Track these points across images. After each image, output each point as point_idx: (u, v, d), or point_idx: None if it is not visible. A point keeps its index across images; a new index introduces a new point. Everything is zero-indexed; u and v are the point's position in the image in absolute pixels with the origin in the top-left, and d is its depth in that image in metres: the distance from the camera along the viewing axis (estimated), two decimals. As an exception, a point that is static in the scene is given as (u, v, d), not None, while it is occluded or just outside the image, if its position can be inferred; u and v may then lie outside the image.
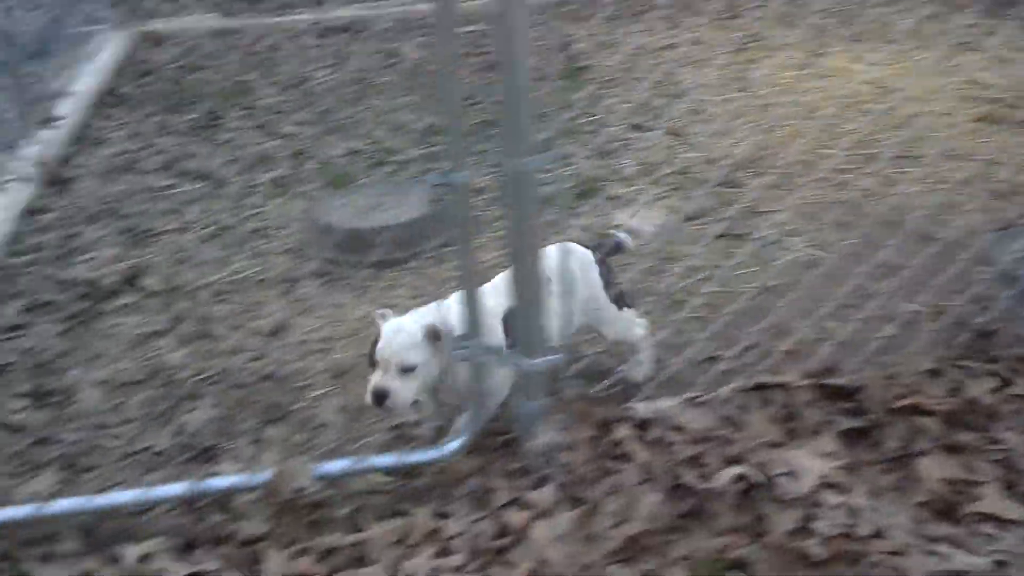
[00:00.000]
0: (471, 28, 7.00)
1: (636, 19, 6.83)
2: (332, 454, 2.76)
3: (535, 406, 2.50)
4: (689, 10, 6.93)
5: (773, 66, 5.76)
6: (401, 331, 2.51)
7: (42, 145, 4.79)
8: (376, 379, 2.49)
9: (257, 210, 4.29)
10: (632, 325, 2.95)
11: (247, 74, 6.18)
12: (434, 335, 2.51)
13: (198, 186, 4.53)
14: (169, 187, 4.52)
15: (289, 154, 4.80)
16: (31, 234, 4.11)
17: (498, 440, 2.64)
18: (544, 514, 2.36)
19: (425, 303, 3.44)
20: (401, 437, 2.81)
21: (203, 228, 4.11)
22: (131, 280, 3.70)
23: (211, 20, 7.43)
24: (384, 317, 2.57)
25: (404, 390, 2.49)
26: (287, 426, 2.91)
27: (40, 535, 2.46)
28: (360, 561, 2.35)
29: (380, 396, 2.48)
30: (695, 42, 6.48)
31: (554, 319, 2.60)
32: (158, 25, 7.34)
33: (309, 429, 2.90)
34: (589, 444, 2.46)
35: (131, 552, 2.38)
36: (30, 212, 4.28)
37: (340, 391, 3.06)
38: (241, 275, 3.74)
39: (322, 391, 3.07)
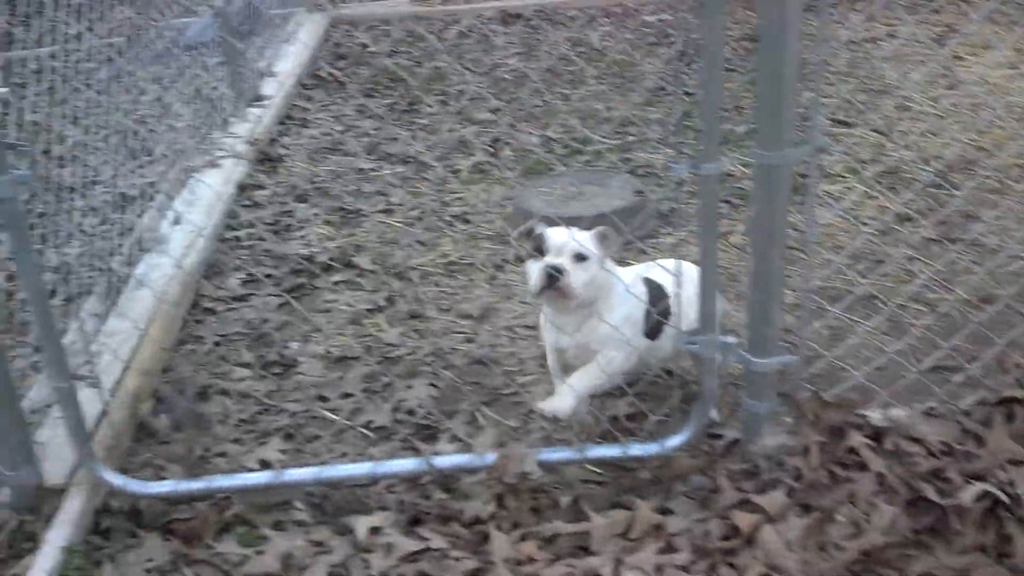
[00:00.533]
0: (660, 17, 6.96)
1: (832, 10, 6.62)
2: (545, 441, 2.79)
3: (763, 407, 2.46)
4: (888, 2, 6.68)
5: (982, 64, 5.48)
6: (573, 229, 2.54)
7: (252, 124, 5.01)
8: (549, 259, 2.49)
9: (458, 195, 4.36)
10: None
11: (439, 60, 6.30)
12: (604, 237, 2.56)
13: (400, 169, 4.64)
14: (373, 170, 4.65)
15: (486, 141, 4.86)
16: (246, 209, 4.29)
17: (721, 439, 2.60)
18: (773, 518, 2.31)
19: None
20: (613, 430, 2.80)
21: (409, 210, 4.20)
22: (343, 258, 3.82)
23: (402, 6, 7.60)
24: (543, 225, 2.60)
25: (578, 274, 2.50)
26: (500, 409, 2.95)
27: (273, 502, 2.57)
28: (584, 550, 2.36)
29: (554, 274, 2.47)
30: (895, 35, 6.23)
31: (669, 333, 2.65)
32: (351, 9, 7.56)
33: (521, 414, 2.92)
34: (820, 450, 2.40)
35: (361, 524, 2.45)
36: (242, 188, 4.48)
37: (547, 378, 3.08)
38: (447, 259, 3.81)
39: (531, 377, 3.10)
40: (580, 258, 2.51)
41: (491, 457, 2.52)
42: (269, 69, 5.84)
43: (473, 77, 5.89)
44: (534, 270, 2.52)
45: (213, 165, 4.54)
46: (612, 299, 2.62)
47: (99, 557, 2.39)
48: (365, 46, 6.72)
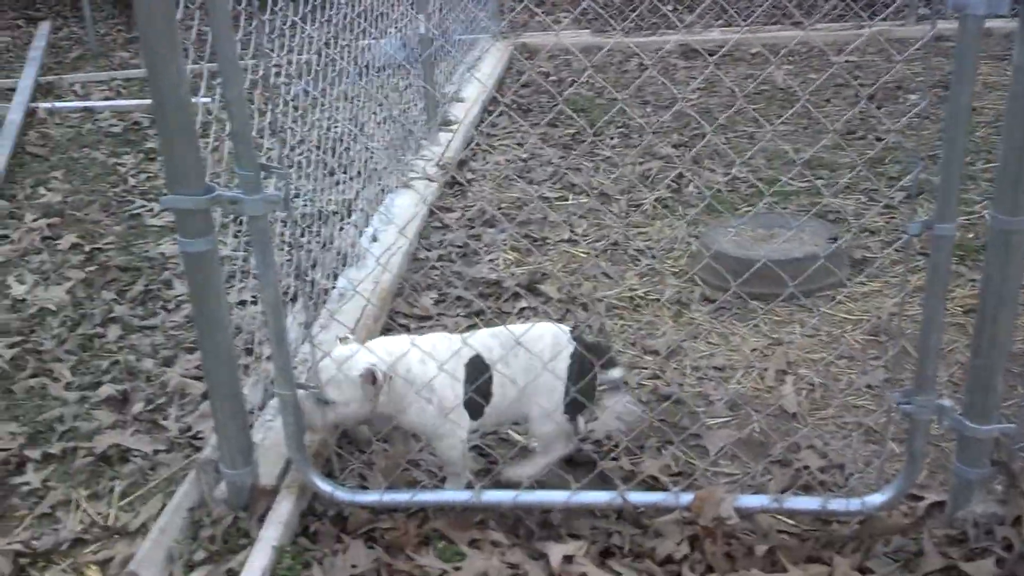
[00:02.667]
0: (847, 58, 6.84)
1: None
2: (733, 487, 2.78)
3: (975, 473, 2.39)
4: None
5: None
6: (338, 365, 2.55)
7: (442, 147, 5.18)
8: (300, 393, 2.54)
9: (641, 230, 4.39)
10: (562, 438, 2.77)
11: (619, 91, 6.36)
12: (371, 379, 2.55)
13: (584, 200, 4.71)
14: (558, 198, 4.73)
15: (669, 176, 4.88)
16: (437, 231, 4.44)
17: (922, 500, 2.55)
18: (981, 589, 2.25)
19: (822, 343, 3.43)
20: (804, 482, 2.77)
21: (594, 241, 4.27)
22: (530, 285, 3.90)
23: (583, 36, 7.72)
24: (345, 341, 2.64)
25: (317, 416, 2.58)
26: (687, 450, 2.96)
27: (468, 521, 2.65)
28: (779, 602, 2.35)
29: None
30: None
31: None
32: (533, 38, 7.72)
33: (708, 458, 2.92)
34: (1034, 522, 2.32)
35: (555, 551, 2.51)
36: (432, 210, 4.64)
37: (736, 423, 3.07)
38: (632, 293, 3.85)
39: (720, 420, 3.09)
40: (323, 403, 2.58)
41: (686, 498, 2.54)
42: (458, 94, 6.03)
43: (652, 110, 5.93)
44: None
45: (407, 186, 4.71)
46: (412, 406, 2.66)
47: (308, 559, 2.51)
48: (547, 75, 6.85)
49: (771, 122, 5.61)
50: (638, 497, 2.59)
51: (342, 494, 2.63)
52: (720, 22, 7.78)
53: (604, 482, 2.78)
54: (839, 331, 3.50)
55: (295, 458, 2.60)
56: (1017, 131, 2.06)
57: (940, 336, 2.29)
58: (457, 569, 2.50)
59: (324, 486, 2.62)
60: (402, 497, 2.63)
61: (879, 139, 5.17)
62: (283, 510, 2.61)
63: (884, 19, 7.57)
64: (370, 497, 2.64)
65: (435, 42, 5.58)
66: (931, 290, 2.22)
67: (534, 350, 2.68)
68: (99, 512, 2.79)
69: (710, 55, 7.12)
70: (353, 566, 2.50)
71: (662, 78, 6.54)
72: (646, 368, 3.37)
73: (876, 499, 2.49)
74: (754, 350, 3.44)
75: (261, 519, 2.60)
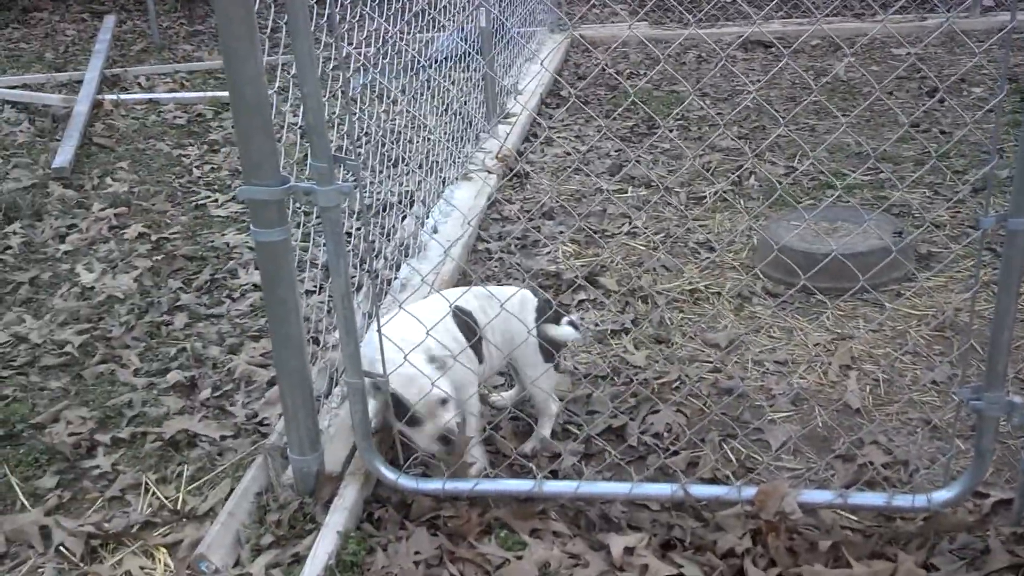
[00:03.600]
0: (908, 51, 6.73)
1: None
2: (796, 481, 2.77)
3: (1047, 471, 2.36)
4: None
5: None
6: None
7: (500, 140, 5.21)
8: (431, 428, 2.61)
9: (702, 222, 4.38)
10: (551, 381, 2.98)
11: (677, 84, 6.32)
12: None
13: (643, 192, 4.70)
14: (617, 191, 4.73)
15: (729, 168, 4.85)
16: (496, 222, 4.47)
17: (988, 497, 2.52)
18: (1052, 588, 2.22)
19: (886, 338, 3.39)
20: (868, 478, 2.75)
21: (653, 234, 4.26)
22: (590, 277, 3.91)
23: (640, 28, 7.68)
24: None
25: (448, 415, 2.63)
26: (748, 444, 2.95)
27: (530, 511, 2.67)
28: (845, 598, 2.33)
29: (449, 439, 2.62)
30: None
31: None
32: (591, 30, 7.70)
33: (771, 452, 2.91)
34: (1107, 523, 2.28)
35: (616, 543, 2.52)
36: (492, 202, 4.66)
37: (799, 417, 3.05)
38: (692, 286, 3.84)
39: (782, 414, 3.08)
40: (443, 403, 2.61)
41: (749, 491, 2.53)
42: (516, 87, 6.04)
43: (712, 103, 5.89)
44: (420, 439, 2.63)
45: (466, 178, 4.74)
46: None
47: (372, 544, 2.55)
48: (605, 68, 6.85)
49: (833, 115, 5.55)
50: (700, 490, 2.58)
51: (406, 481, 2.66)
52: (781, 13, 7.70)
53: (665, 475, 2.80)
54: (904, 327, 3.46)
55: (361, 445, 2.64)
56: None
57: (1012, 332, 2.25)
58: (519, 558, 2.52)
59: (388, 473, 2.66)
60: (464, 486, 2.66)
61: (943, 132, 5.09)
62: (348, 496, 2.65)
63: (949, 10, 7.44)
64: (433, 485, 2.67)
65: (494, 33, 5.59)
66: (1004, 284, 2.19)
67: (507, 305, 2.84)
68: (168, 496, 2.86)
69: (769, 47, 7.06)
70: (416, 552, 2.53)
71: (723, 71, 6.49)
72: (708, 362, 3.36)
73: (942, 495, 2.46)
74: (817, 344, 3.41)
75: (327, 505, 2.64)
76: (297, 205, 3.82)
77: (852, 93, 5.91)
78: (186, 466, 2.98)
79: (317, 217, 2.83)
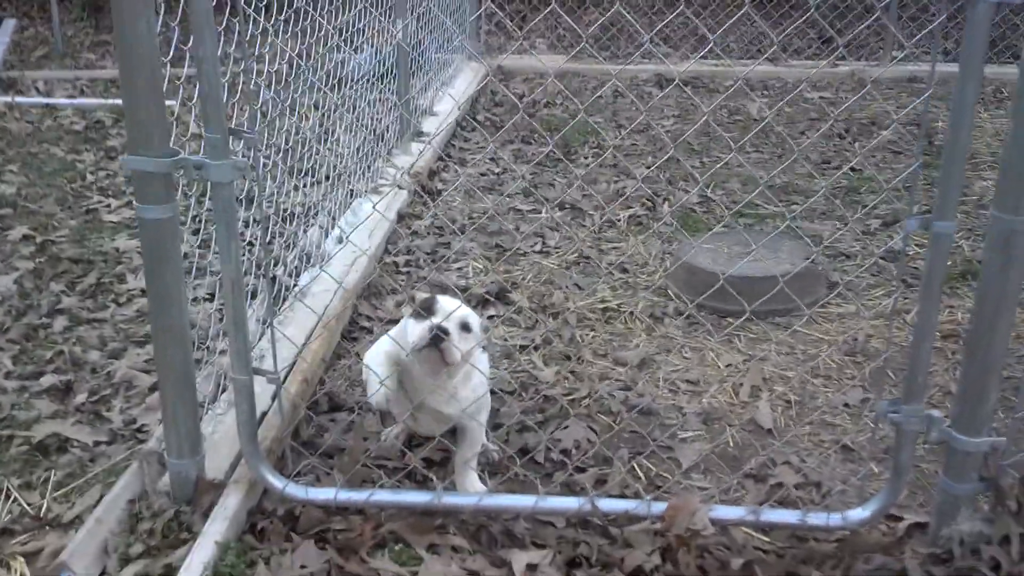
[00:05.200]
0: (821, 95, 6.85)
1: None
2: (708, 499, 2.66)
3: (963, 489, 2.29)
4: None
5: None
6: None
7: (413, 157, 5.07)
8: (436, 320, 2.42)
9: (614, 245, 4.30)
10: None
11: (593, 116, 6.29)
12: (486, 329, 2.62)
13: (558, 214, 4.61)
14: (531, 211, 4.63)
15: (643, 195, 4.81)
16: (405, 237, 4.31)
17: (905, 521, 2.44)
18: (967, 609, 2.14)
19: (797, 361, 3.33)
20: (780, 497, 2.65)
21: (566, 254, 4.16)
22: (500, 293, 3.78)
23: (558, 60, 7.67)
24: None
25: (462, 343, 2.45)
26: (657, 461, 2.83)
27: (427, 525, 2.50)
28: (753, 618, 2.22)
29: (439, 335, 2.40)
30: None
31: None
32: (508, 61, 7.66)
33: (680, 469, 2.80)
34: (1022, 541, 2.21)
35: (518, 559, 2.36)
36: (401, 217, 4.51)
37: (710, 437, 2.96)
38: (604, 305, 3.74)
39: (693, 433, 2.97)
40: (465, 328, 2.49)
41: (658, 507, 2.41)
42: (431, 108, 5.93)
43: (627, 134, 5.87)
44: (416, 328, 2.46)
45: (376, 192, 4.59)
46: (475, 377, 2.61)
47: (253, 557, 2.34)
48: (521, 96, 6.79)
49: (746, 150, 5.57)
50: (608, 504, 2.45)
51: (294, 490, 2.47)
52: (696, 55, 7.79)
53: (572, 492, 2.66)
54: (816, 350, 3.41)
55: (246, 449, 2.44)
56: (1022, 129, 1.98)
57: (932, 343, 2.19)
58: (413, 574, 2.34)
59: (275, 481, 2.46)
60: (359, 496, 2.47)
61: (854, 170, 5.14)
62: (230, 505, 2.44)
63: (859, 59, 7.62)
64: (324, 495, 2.48)
65: (410, 53, 5.49)
66: (926, 292, 2.13)
67: None
68: (31, 502, 2.60)
69: (685, 84, 7.11)
70: (302, 567, 2.33)
71: (638, 105, 6.49)
72: (619, 380, 3.25)
73: (858, 514, 2.37)
74: (729, 365, 3.33)
75: (205, 514, 2.43)
76: (187, 190, 3.56)
77: (765, 131, 5.95)
78: (54, 471, 2.73)
79: (208, 209, 2.61)
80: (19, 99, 6.43)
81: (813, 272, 3.75)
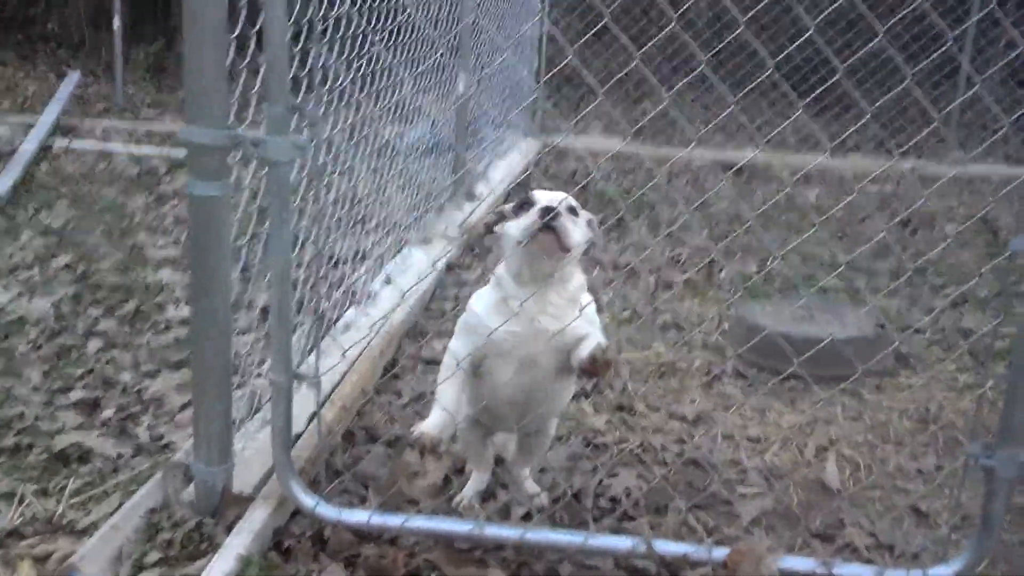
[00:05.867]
0: (881, 187, 6.73)
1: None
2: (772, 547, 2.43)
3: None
4: None
5: None
6: None
7: (464, 214, 4.98)
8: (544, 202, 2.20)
9: (669, 305, 4.14)
10: None
11: (647, 193, 6.21)
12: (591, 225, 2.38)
13: (610, 274, 4.47)
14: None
15: (700, 261, 4.66)
16: (451, 286, 4.19)
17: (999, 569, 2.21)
18: None
19: (866, 427, 3.12)
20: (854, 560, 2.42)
21: (619, 310, 4.00)
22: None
23: (611, 142, 7.65)
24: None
25: (574, 230, 2.22)
26: (714, 514, 2.62)
27: (470, 558, 2.30)
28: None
29: (551, 217, 2.15)
30: None
31: None
32: (563, 140, 7.64)
33: (740, 522, 2.58)
34: None
35: (565, 598, 2.16)
36: (451, 267, 4.40)
37: (770, 493, 2.74)
38: (660, 359, 3.56)
39: (753, 488, 2.76)
40: (573, 212, 2.25)
41: (720, 552, 2.20)
42: (485, 172, 5.88)
43: (683, 209, 5.75)
44: (521, 220, 2.22)
45: (426, 242, 4.49)
46: (579, 294, 2.34)
47: (277, 575, 2.16)
48: (575, 172, 6.73)
49: (803, 231, 5.43)
50: (665, 547, 2.24)
51: (325, 510, 2.29)
52: (752, 143, 7.73)
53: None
54: (886, 417, 3.19)
55: (279, 459, 2.27)
56: None
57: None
58: (449, 605, 2.14)
59: (306, 499, 2.29)
60: (394, 521, 2.28)
61: (918, 253, 4.98)
62: (256, 519, 2.27)
63: (920, 157, 7.52)
64: (357, 517, 2.29)
65: (470, 110, 5.44)
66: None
67: None
68: (45, 508, 2.44)
69: (740, 173, 7.03)
70: (329, 587, 2.15)
71: (695, 188, 6.41)
72: (673, 432, 3.05)
73: (942, 572, 2.15)
74: (792, 426, 3.13)
75: (229, 528, 2.26)
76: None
77: (823, 215, 5.81)
78: (72, 479, 2.57)
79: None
80: (76, 144, 6.48)
81: (882, 340, 3.55)
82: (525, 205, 2.26)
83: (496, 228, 2.35)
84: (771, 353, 3.45)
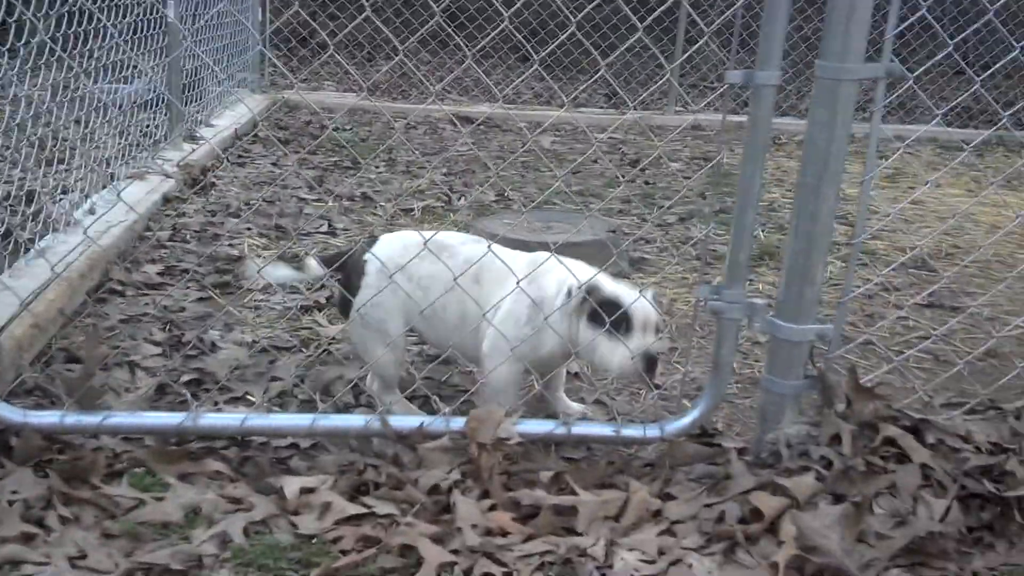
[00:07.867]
0: (610, 135, 6.91)
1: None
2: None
3: (788, 387, 2.09)
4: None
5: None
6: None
7: (183, 153, 4.62)
8: (639, 340, 2.15)
9: (409, 226, 4.01)
10: None
11: (383, 140, 6.07)
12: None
13: (347, 203, 4.29)
14: (316, 201, 4.28)
15: (437, 191, 4.57)
16: (171, 217, 3.87)
17: (726, 421, 2.23)
18: (801, 504, 1.92)
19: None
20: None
21: (356, 235, 3.82)
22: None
23: (348, 98, 7.44)
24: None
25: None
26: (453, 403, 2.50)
27: (182, 452, 2.06)
28: (568, 531, 1.91)
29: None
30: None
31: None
32: (295, 95, 7.35)
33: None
34: (853, 438, 2.03)
35: (291, 483, 1.97)
36: (168, 200, 4.06)
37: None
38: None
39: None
40: (657, 331, 2.19)
41: (458, 421, 2.08)
42: (207, 121, 5.51)
43: (420, 155, 5.65)
44: (617, 352, 2.14)
45: (138, 177, 4.12)
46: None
47: (-56, 485, 1.84)
48: (308, 122, 6.46)
49: (539, 170, 5.47)
50: (400, 421, 2.11)
51: (11, 413, 1.98)
52: (487, 99, 7.77)
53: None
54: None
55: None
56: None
57: (754, 216, 2.02)
58: (159, 499, 1.90)
59: (-16, 402, 1.97)
60: (92, 420, 2.01)
61: (647, 183, 5.12)
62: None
63: (646, 107, 7.81)
64: (48, 418, 2.00)
65: (184, 42, 5.05)
66: (749, 153, 1.96)
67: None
68: None
69: (477, 123, 7.02)
70: (14, 492, 1.85)
71: (433, 138, 6.32)
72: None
73: (678, 424, 2.14)
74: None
75: None
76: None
77: (559, 159, 5.88)
78: None
79: None
80: None
81: (616, 241, 3.58)
82: (622, 323, 2.15)
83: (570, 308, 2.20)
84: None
